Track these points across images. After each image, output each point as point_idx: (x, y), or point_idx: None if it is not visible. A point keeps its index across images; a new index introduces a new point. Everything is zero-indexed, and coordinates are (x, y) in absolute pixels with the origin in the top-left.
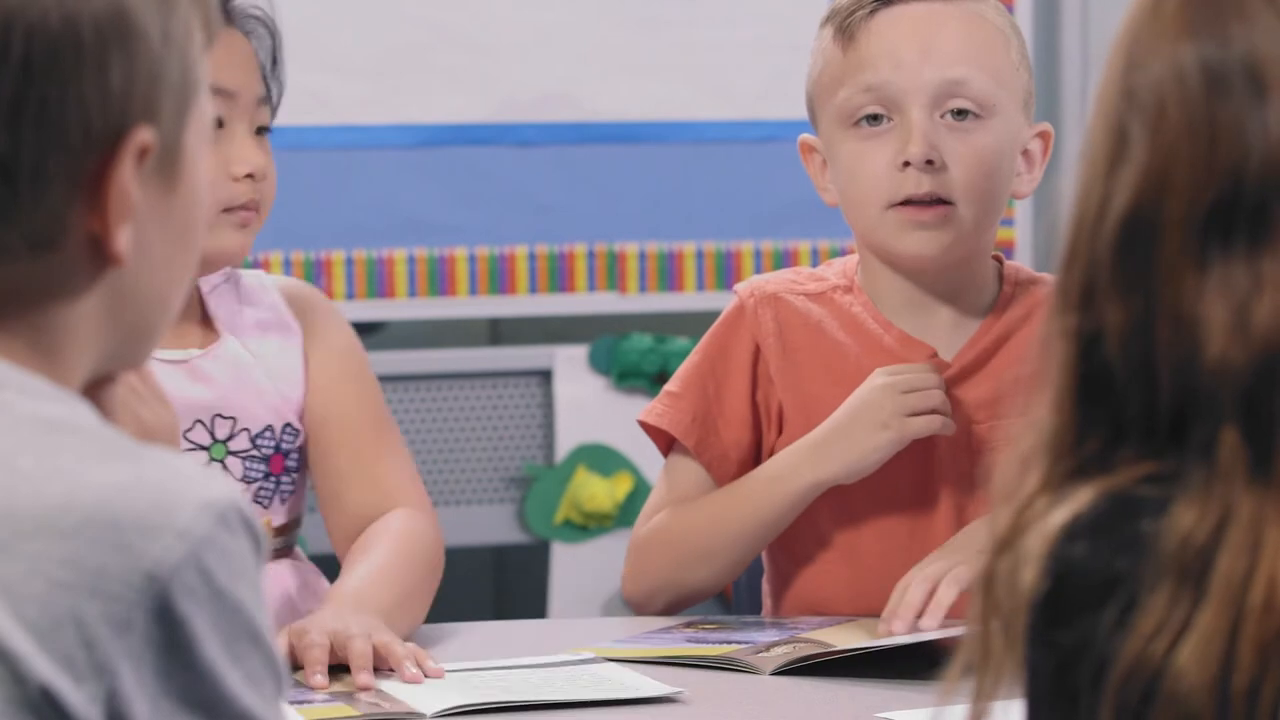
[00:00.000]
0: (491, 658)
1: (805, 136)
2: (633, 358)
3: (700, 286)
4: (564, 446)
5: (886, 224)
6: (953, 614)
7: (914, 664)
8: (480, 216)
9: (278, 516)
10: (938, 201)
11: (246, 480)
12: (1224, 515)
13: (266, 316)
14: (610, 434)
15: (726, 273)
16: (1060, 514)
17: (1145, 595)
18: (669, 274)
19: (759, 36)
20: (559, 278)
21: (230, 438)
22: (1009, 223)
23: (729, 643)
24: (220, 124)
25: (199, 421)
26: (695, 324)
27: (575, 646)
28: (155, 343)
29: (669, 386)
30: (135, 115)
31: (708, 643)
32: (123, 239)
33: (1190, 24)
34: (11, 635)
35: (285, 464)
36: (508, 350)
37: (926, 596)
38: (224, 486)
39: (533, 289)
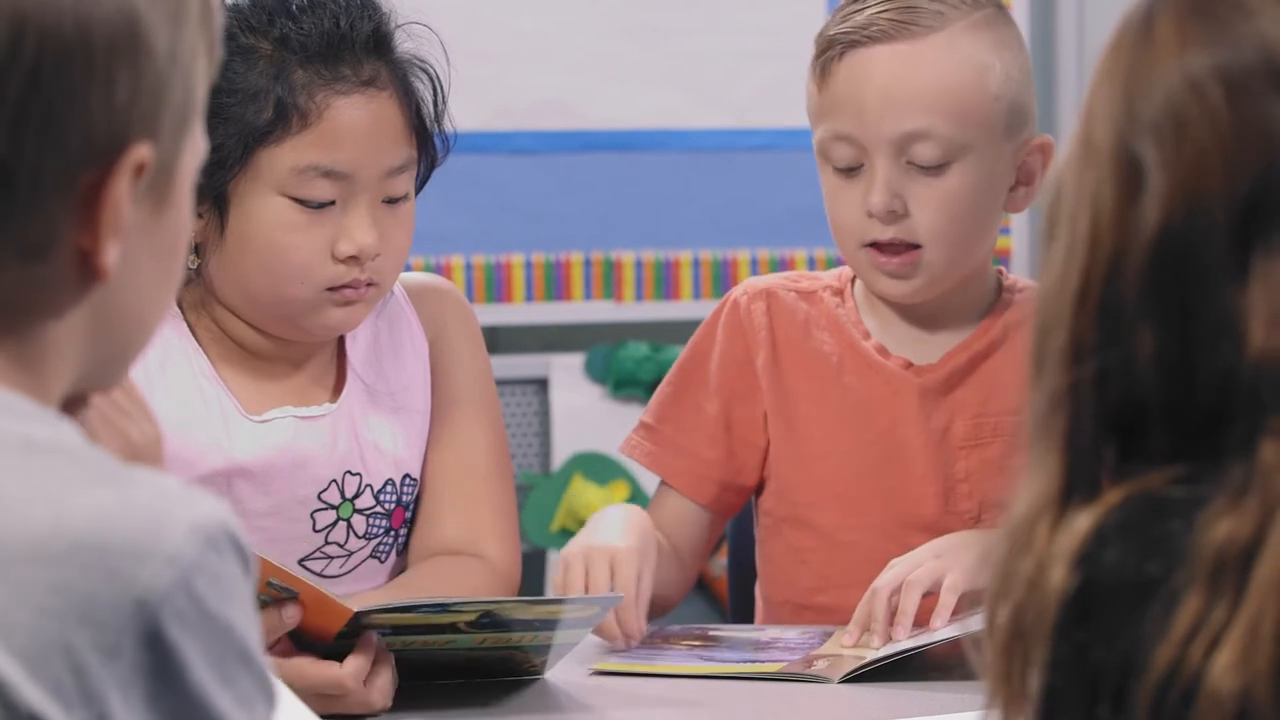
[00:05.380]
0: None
1: None
2: (629, 366)
3: (697, 295)
4: (560, 455)
5: (860, 262)
6: (918, 620)
7: (912, 669)
8: (476, 225)
9: (393, 568)
10: (904, 245)
11: (368, 536)
12: (1265, 514)
13: (407, 374)
14: (606, 442)
15: (723, 281)
16: (1088, 515)
17: (1179, 600)
18: (665, 282)
19: (755, 45)
20: (555, 286)
21: (357, 495)
22: (1005, 231)
23: (740, 661)
24: (331, 203)
25: (333, 481)
26: (691, 332)
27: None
28: (130, 364)
29: (644, 416)
30: (136, 131)
31: (716, 661)
32: (111, 255)
33: (1193, 35)
34: (0, 663)
35: (405, 516)
36: (504, 359)
37: (889, 608)
38: (212, 506)
39: (529, 297)
